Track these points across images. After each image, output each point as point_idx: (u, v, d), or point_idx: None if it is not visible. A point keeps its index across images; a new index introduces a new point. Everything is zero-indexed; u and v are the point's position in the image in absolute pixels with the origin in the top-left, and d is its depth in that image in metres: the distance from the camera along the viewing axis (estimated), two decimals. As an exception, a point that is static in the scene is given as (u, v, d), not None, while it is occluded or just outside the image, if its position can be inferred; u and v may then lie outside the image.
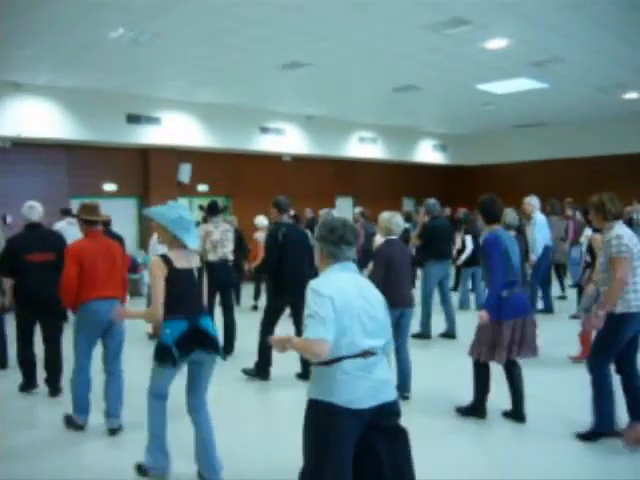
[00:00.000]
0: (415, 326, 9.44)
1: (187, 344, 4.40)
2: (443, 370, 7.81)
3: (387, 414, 3.20)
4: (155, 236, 8.82)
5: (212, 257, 8.31)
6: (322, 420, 3.12)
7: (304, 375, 7.06)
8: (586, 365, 5.32)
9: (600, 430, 5.22)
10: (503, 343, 5.45)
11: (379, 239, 7.40)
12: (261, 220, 12.60)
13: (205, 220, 8.97)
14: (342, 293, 3.14)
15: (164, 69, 12.05)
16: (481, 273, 11.25)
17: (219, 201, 9.30)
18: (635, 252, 5.03)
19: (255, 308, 12.38)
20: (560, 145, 20.84)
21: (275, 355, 7.29)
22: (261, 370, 7.40)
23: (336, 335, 3.03)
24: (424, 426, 5.54)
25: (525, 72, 12.83)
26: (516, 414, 5.73)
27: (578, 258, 13.94)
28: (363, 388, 3.10)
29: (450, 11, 8.90)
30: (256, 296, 12.67)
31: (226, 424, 5.36)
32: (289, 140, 17.66)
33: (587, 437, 5.26)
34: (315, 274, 3.50)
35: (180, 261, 4.52)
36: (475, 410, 5.88)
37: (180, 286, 4.47)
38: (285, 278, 7.23)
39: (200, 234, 8.33)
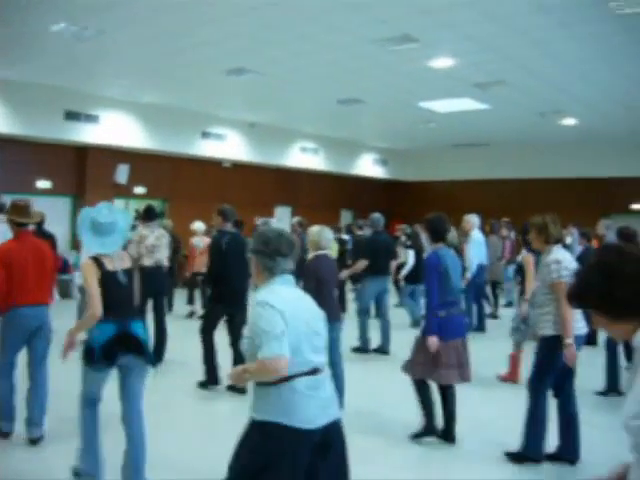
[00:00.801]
0: (354, 340, 9.50)
1: (114, 348, 4.28)
2: (378, 386, 7.77)
3: (334, 432, 3.12)
4: None
5: (147, 262, 8.15)
6: (271, 444, 2.97)
7: (233, 386, 6.98)
8: (526, 388, 5.29)
9: (527, 454, 5.22)
10: (444, 363, 5.41)
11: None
12: (198, 226, 12.45)
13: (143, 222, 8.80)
14: (290, 308, 3.04)
15: (107, 67, 11.79)
16: (421, 289, 11.33)
17: (155, 206, 9.11)
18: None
19: (192, 314, 12.17)
20: (498, 165, 21.29)
21: (221, 360, 7.29)
22: (210, 375, 7.32)
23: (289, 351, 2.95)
24: (356, 444, 5.48)
25: (468, 92, 13.02)
26: (447, 435, 5.70)
27: (512, 277, 14.24)
28: (313, 406, 3.00)
29: (400, 28, 8.96)
30: (190, 302, 12.46)
31: (160, 434, 5.20)
32: (230, 146, 17.48)
33: (515, 458, 5.27)
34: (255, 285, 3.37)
35: (110, 263, 4.41)
36: (428, 430, 5.73)
37: (110, 289, 4.35)
38: (226, 287, 7.18)
39: (135, 239, 8.26)
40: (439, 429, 5.73)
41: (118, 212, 4.67)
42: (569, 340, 4.92)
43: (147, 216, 8.56)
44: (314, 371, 3.05)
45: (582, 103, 13.79)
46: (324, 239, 6.32)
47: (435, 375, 5.48)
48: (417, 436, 5.77)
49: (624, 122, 15.91)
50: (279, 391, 2.98)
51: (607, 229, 11.21)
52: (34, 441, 5.38)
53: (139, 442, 4.45)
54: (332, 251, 7.86)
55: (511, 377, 7.87)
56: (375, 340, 9.61)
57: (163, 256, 8.49)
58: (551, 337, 5.05)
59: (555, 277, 5.02)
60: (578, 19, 8.39)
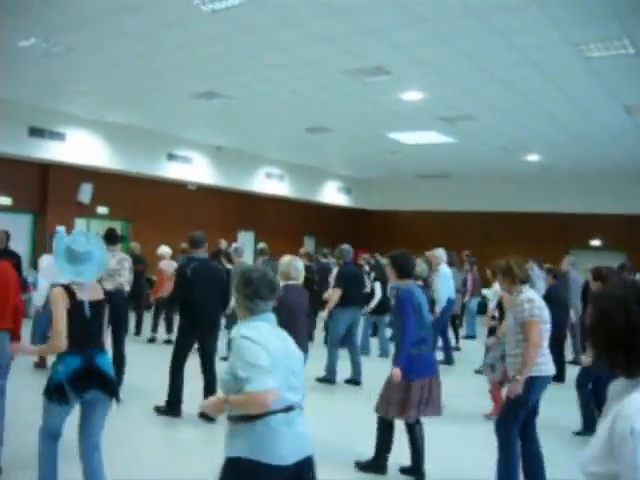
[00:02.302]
0: (319, 369, 9.40)
1: (81, 382, 4.15)
2: (344, 418, 7.68)
3: (307, 468, 3.08)
4: (45, 256, 8.43)
5: (107, 286, 7.95)
6: None
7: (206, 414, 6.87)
8: (494, 428, 5.26)
9: None
10: (412, 403, 5.36)
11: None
12: (164, 250, 12.30)
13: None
14: (273, 345, 3.03)
15: (74, 85, 11.63)
16: (385, 320, 11.29)
17: (117, 230, 8.94)
18: (544, 316, 5.11)
19: (153, 340, 11.97)
20: (461, 198, 21.54)
21: (186, 391, 7.14)
22: (172, 406, 7.17)
23: None
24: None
25: (435, 126, 13.17)
26: (415, 472, 5.64)
27: (475, 310, 14.34)
28: (288, 443, 2.97)
29: (372, 60, 9.04)
30: (154, 328, 12.21)
31: (121, 463, 5.05)
32: (196, 169, 17.37)
33: None
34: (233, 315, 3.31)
35: (81, 293, 4.28)
36: (375, 466, 5.74)
37: (78, 320, 4.22)
38: (193, 314, 7.07)
39: None
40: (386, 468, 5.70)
41: (94, 241, 4.55)
42: (519, 377, 4.97)
43: (109, 240, 8.37)
44: (288, 409, 3.01)
45: (546, 140, 14.07)
46: (294, 269, 6.26)
47: (405, 415, 5.43)
48: (363, 467, 5.74)
49: (585, 160, 16.26)
50: (254, 427, 2.94)
51: (571, 266, 11.35)
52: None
53: (98, 476, 4.32)
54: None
55: (496, 413, 7.77)
56: (343, 371, 9.50)
57: (124, 280, 8.32)
58: (526, 378, 5.05)
59: (527, 316, 5.04)
60: (548, 59, 8.57)
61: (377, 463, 5.73)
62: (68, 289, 4.25)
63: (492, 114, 11.88)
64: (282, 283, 6.23)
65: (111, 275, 8.05)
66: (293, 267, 6.26)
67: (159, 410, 7.22)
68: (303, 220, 22.43)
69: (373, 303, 11.21)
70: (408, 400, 5.36)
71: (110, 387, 4.31)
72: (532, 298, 5.11)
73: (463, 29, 7.67)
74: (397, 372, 5.37)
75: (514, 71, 9.20)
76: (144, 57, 9.52)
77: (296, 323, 5.99)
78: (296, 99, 11.65)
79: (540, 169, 17.94)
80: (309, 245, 22.33)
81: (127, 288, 8.44)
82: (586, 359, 6.95)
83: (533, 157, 16.26)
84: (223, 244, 14.04)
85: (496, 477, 5.15)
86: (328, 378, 9.39)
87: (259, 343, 2.96)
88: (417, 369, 5.40)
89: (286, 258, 6.41)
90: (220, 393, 3.13)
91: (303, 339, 6.14)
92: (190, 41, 8.64)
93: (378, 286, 11.32)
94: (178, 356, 7.20)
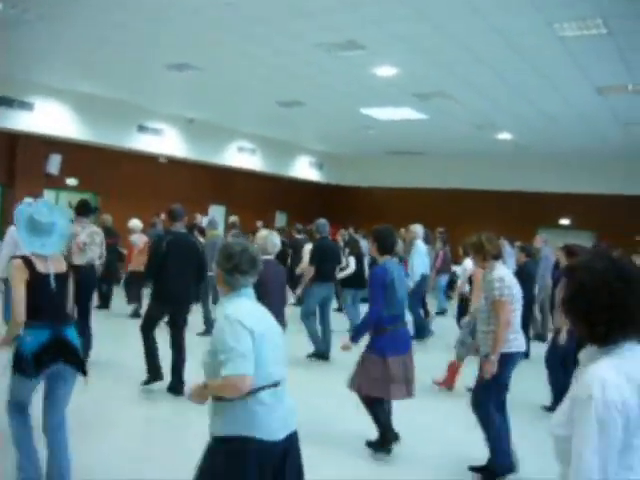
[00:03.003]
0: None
1: (48, 355, 4.09)
2: (320, 393, 7.61)
3: (292, 442, 3.09)
4: (12, 228, 8.18)
5: (78, 260, 7.86)
6: (235, 462, 2.91)
7: (173, 388, 6.95)
8: (471, 406, 5.33)
9: (502, 471, 5.22)
10: (390, 378, 5.34)
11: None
12: (135, 223, 12.21)
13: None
14: (258, 323, 3.04)
15: (44, 53, 11.41)
16: (360, 295, 11.32)
17: (89, 201, 8.76)
18: (515, 294, 5.18)
19: (137, 314, 11.47)
20: (434, 175, 21.59)
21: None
22: (153, 372, 7.14)
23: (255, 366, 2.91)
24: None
25: (408, 102, 13.16)
26: (383, 446, 5.63)
27: (444, 287, 14.47)
28: (277, 419, 2.99)
29: (346, 35, 8.98)
30: (130, 300, 12.03)
31: (90, 441, 5.03)
32: (167, 141, 17.20)
33: (478, 470, 5.29)
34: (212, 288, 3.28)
35: (43, 265, 4.20)
36: (385, 441, 5.63)
37: (41, 292, 4.15)
38: (165, 287, 7.05)
39: None
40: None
41: (57, 211, 4.46)
42: (494, 357, 5.03)
43: (81, 211, 8.18)
44: (276, 384, 3.03)
45: (518, 119, 14.15)
46: (271, 244, 6.26)
47: (385, 391, 5.40)
48: (373, 445, 5.69)
49: (556, 140, 16.39)
50: (244, 404, 2.93)
51: (544, 243, 11.47)
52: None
53: (63, 453, 4.27)
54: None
55: (446, 384, 7.96)
56: (307, 346, 9.49)
57: (95, 255, 8.21)
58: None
59: (497, 295, 5.09)
60: (522, 38, 8.59)
61: (386, 437, 5.65)
62: (27, 260, 4.17)
63: (465, 91, 11.89)
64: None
65: (81, 249, 7.94)
66: (270, 241, 6.25)
67: (146, 382, 7.13)
68: (275, 195, 22.36)
69: (344, 273, 11.03)
70: (388, 377, 5.35)
71: (77, 361, 4.26)
72: (503, 277, 5.16)
73: (438, 5, 7.66)
74: (346, 340, 5.58)
75: (488, 49, 9.20)
76: (116, 27, 9.36)
77: (271, 298, 5.98)
78: (269, 72, 11.55)
79: (513, 148, 18.05)
80: (281, 220, 22.28)
81: (97, 262, 8.34)
82: (562, 337, 7.02)
83: (505, 136, 16.34)
84: (199, 218, 13.95)
85: (490, 453, 5.24)
86: (318, 352, 9.37)
87: (246, 327, 2.95)
88: (394, 345, 5.42)
89: (263, 232, 6.41)
90: (200, 378, 3.10)
91: (280, 314, 6.14)
92: (164, 12, 8.51)
93: (352, 260, 11.31)
94: (147, 324, 7.16)
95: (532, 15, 7.69)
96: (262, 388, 2.95)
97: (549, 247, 11.73)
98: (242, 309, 3.06)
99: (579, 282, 2.08)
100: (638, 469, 1.92)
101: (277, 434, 2.97)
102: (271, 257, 6.28)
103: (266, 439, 2.92)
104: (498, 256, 5.34)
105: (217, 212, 20.07)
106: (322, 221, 9.83)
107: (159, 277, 7.09)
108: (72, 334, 4.31)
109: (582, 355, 2.13)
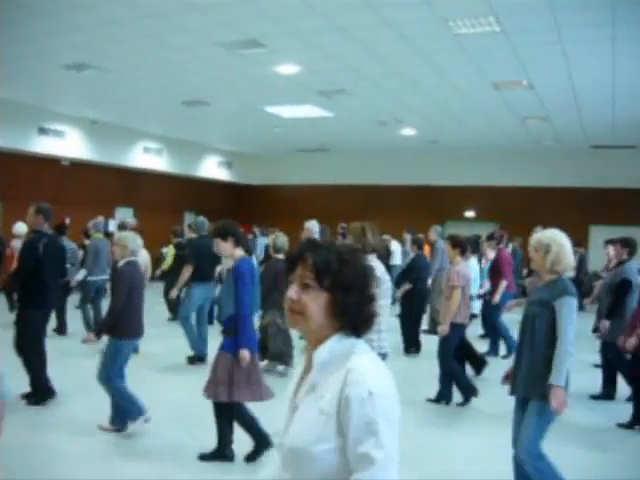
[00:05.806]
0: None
1: None
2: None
3: None
4: None
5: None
6: None
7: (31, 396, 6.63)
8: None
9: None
10: (236, 380, 5.06)
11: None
12: (20, 227, 11.41)
13: None
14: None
15: None
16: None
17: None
18: (384, 289, 4.69)
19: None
20: (341, 172, 21.92)
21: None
22: (39, 392, 6.67)
23: None
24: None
25: (312, 99, 13.28)
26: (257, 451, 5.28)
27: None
28: None
29: (246, 33, 9.00)
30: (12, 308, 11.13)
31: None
32: (70, 144, 16.76)
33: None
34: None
35: None
36: (221, 454, 5.32)
37: None
38: (43, 291, 6.67)
39: None
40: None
41: None
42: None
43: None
44: None
45: (420, 115, 14.49)
46: (137, 245, 6.10)
47: (235, 395, 5.09)
48: (205, 457, 5.35)
49: (458, 135, 16.87)
50: None
51: (438, 236, 11.76)
52: None
53: None
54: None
55: None
56: (186, 349, 9.09)
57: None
58: None
59: None
60: (419, 35, 8.81)
61: (223, 450, 5.34)
62: None
63: (366, 88, 12.10)
64: (124, 259, 6.00)
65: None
66: (136, 243, 6.08)
67: (35, 402, 6.60)
68: (184, 195, 22.09)
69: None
70: (233, 378, 5.07)
71: None
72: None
73: (335, 2, 7.74)
74: (245, 353, 5.07)
75: (386, 46, 9.38)
76: (7, 23, 9.03)
77: (136, 302, 5.91)
78: (171, 71, 11.45)
79: (418, 143, 18.45)
80: (190, 220, 22.02)
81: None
82: (442, 329, 7.14)
83: (409, 131, 16.69)
84: (67, 220, 13.35)
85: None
86: (197, 355, 8.97)
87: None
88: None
89: (129, 234, 6.23)
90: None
91: (140, 321, 6.02)
92: (56, 9, 8.31)
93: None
94: (35, 337, 6.67)
95: (428, 12, 7.86)
96: None
97: (444, 240, 12.01)
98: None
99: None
100: None
101: None
102: (137, 259, 6.19)
103: None
104: (375, 250, 5.01)
105: (125, 214, 19.68)
106: (200, 219, 9.87)
107: (35, 281, 6.62)
108: None
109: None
